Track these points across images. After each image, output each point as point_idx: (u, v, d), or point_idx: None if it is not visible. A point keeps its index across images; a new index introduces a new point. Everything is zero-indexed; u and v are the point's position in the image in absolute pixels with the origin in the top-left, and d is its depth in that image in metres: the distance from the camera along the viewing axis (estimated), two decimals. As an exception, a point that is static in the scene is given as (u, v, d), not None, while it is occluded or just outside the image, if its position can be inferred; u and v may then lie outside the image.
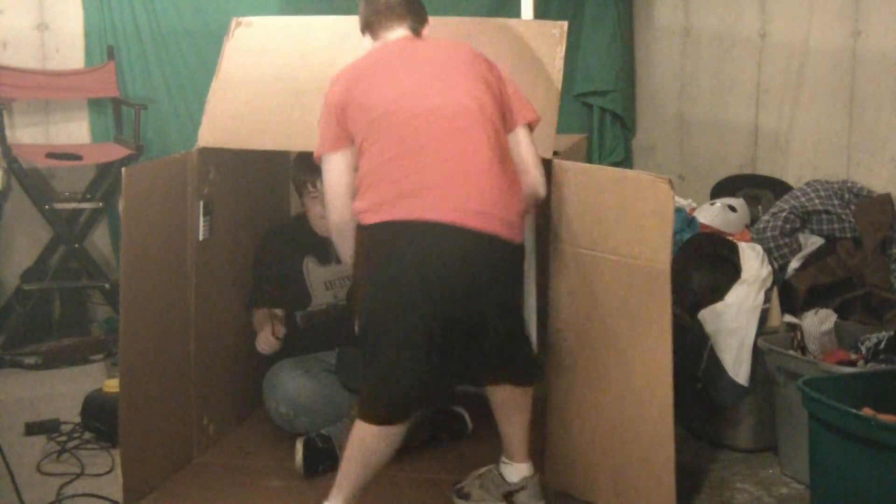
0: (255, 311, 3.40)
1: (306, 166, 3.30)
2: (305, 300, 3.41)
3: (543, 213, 2.85)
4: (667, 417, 2.65)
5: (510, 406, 2.71)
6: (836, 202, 3.58)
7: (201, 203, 3.02)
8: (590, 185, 2.76)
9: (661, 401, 2.65)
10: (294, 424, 3.19)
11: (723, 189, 4.28)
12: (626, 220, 2.68)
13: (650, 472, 2.71)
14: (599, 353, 2.78)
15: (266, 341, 3.24)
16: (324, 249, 3.38)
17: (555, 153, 2.81)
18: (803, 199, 3.61)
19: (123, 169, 2.71)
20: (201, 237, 3.04)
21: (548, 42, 2.97)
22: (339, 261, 3.33)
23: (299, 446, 2.98)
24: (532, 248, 2.87)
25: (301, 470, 2.96)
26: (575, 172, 2.79)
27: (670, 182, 2.60)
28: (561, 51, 2.95)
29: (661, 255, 2.61)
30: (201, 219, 3.03)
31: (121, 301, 2.74)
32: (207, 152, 3.00)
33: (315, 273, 3.40)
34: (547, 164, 2.79)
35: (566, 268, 2.82)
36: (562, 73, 2.92)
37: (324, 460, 2.99)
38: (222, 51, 3.13)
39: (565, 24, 3.01)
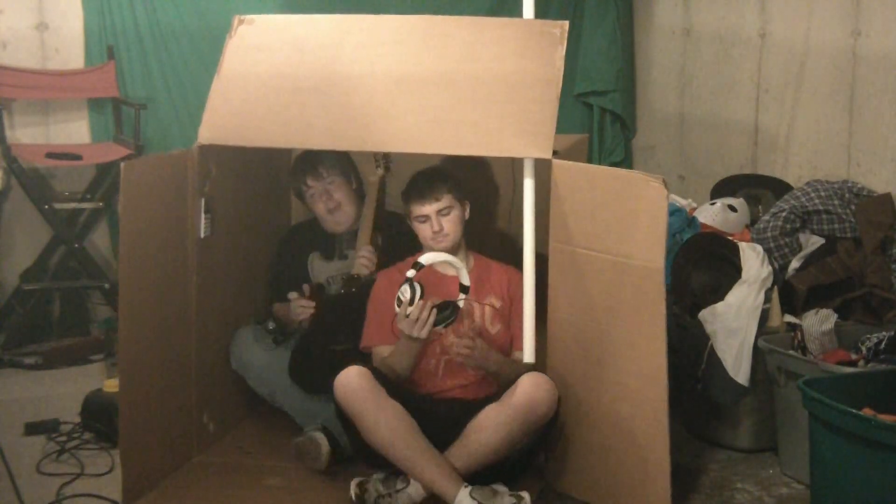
0: (274, 306, 3.48)
1: (298, 170, 3.38)
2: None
3: (542, 212, 2.86)
4: (661, 417, 2.64)
5: None
6: (836, 202, 3.57)
7: (203, 200, 3.02)
8: (585, 184, 2.77)
9: (654, 401, 2.65)
10: (250, 385, 3.29)
11: (723, 189, 4.27)
12: (619, 218, 2.68)
13: (645, 473, 2.71)
14: (595, 353, 2.78)
15: (300, 306, 3.27)
16: (331, 245, 3.43)
17: (554, 152, 2.81)
18: (803, 199, 3.61)
19: (122, 163, 2.69)
20: (202, 234, 3.04)
21: (549, 41, 2.97)
22: (342, 257, 3.40)
23: (322, 437, 2.99)
24: (531, 248, 2.87)
25: (325, 461, 2.97)
26: (571, 171, 2.79)
27: (664, 181, 2.59)
28: (562, 50, 2.95)
29: (653, 255, 2.60)
30: (202, 216, 3.03)
31: (120, 298, 2.74)
32: (209, 149, 3.00)
33: (318, 268, 3.44)
34: (545, 164, 2.79)
35: (564, 267, 2.82)
36: (562, 72, 2.92)
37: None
38: (224, 48, 3.13)
39: (566, 23, 3.02)
